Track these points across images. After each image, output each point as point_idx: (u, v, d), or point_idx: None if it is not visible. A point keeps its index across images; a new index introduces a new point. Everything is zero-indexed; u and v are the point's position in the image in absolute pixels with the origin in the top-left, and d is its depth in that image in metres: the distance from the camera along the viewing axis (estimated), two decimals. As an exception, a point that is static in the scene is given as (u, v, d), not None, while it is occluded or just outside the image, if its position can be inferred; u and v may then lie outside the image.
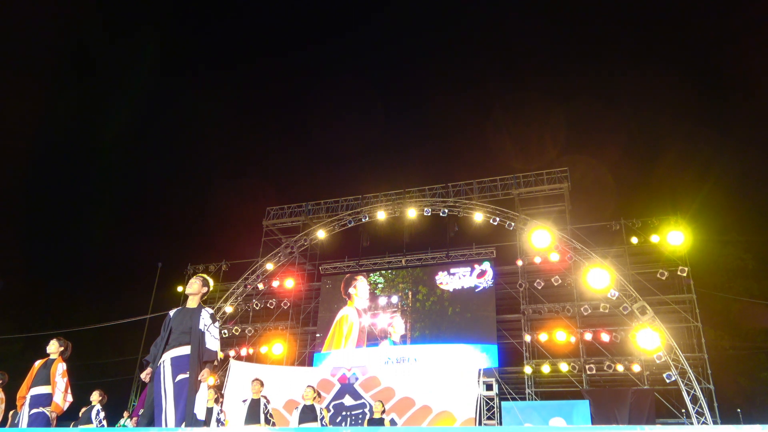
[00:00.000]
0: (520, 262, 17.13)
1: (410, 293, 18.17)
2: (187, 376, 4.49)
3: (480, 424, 13.33)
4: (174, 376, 4.50)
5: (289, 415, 12.76)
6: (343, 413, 13.36)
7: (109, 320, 18.70)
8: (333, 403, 13.57)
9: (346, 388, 13.95)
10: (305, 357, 18.73)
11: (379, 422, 9.77)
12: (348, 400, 13.72)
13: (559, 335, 15.89)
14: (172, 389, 4.46)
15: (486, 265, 17.42)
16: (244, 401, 8.26)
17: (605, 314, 15.59)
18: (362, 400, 13.58)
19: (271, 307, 19.08)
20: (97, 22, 29.59)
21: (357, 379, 14.09)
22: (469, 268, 17.60)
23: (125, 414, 12.39)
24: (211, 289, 5.10)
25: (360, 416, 13.24)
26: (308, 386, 8.74)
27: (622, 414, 13.14)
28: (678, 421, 14.03)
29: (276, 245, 19.96)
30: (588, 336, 15.66)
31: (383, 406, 10.18)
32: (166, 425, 4.31)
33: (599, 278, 15.01)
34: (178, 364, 4.55)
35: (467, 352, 16.36)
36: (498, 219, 16.83)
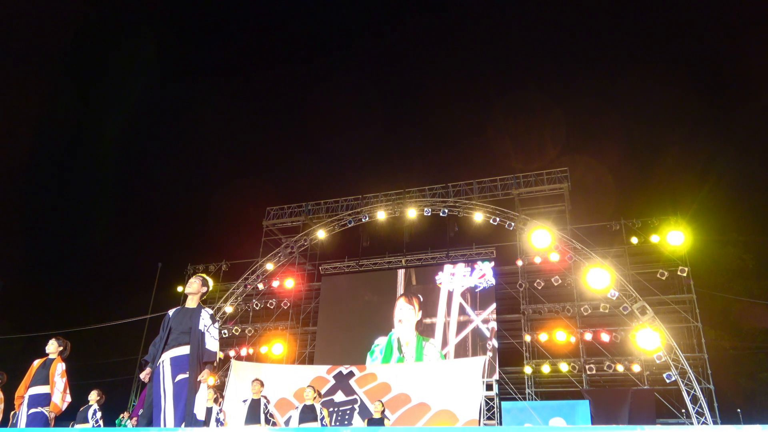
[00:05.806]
0: (520, 262, 17.12)
1: (410, 293, 18.15)
2: (186, 376, 4.49)
3: (480, 424, 13.27)
4: (173, 377, 4.50)
5: (280, 415, 12.59)
6: (331, 409, 12.81)
7: (109, 320, 18.67)
8: (323, 400, 13.16)
9: (340, 384, 13.62)
10: (305, 357, 18.71)
11: (379, 422, 9.76)
12: (339, 396, 13.35)
13: (559, 335, 15.88)
14: (171, 389, 4.45)
15: (486, 265, 17.42)
16: (245, 401, 8.27)
17: (605, 314, 15.58)
18: (354, 396, 13.18)
19: (271, 307, 19.07)
20: (98, 23, 29.60)
21: (353, 374, 13.76)
22: (469, 269, 17.60)
23: (125, 414, 12.39)
24: (210, 288, 5.10)
25: (348, 412, 12.79)
26: (309, 386, 8.76)
27: (622, 414, 13.13)
28: (678, 421, 14.03)
29: (276, 245, 19.95)
30: (588, 336, 15.65)
31: (383, 406, 10.15)
32: (165, 425, 4.30)
33: (599, 278, 14.99)
34: (177, 364, 4.55)
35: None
36: (498, 219, 16.83)
